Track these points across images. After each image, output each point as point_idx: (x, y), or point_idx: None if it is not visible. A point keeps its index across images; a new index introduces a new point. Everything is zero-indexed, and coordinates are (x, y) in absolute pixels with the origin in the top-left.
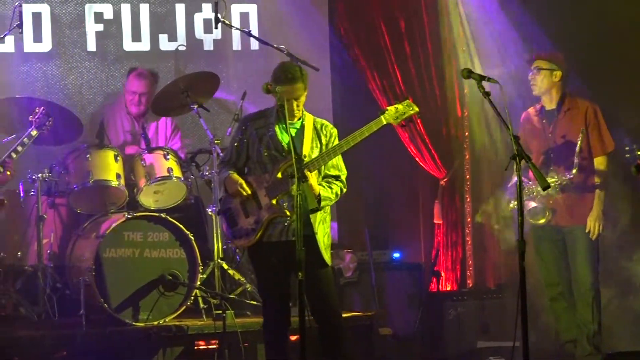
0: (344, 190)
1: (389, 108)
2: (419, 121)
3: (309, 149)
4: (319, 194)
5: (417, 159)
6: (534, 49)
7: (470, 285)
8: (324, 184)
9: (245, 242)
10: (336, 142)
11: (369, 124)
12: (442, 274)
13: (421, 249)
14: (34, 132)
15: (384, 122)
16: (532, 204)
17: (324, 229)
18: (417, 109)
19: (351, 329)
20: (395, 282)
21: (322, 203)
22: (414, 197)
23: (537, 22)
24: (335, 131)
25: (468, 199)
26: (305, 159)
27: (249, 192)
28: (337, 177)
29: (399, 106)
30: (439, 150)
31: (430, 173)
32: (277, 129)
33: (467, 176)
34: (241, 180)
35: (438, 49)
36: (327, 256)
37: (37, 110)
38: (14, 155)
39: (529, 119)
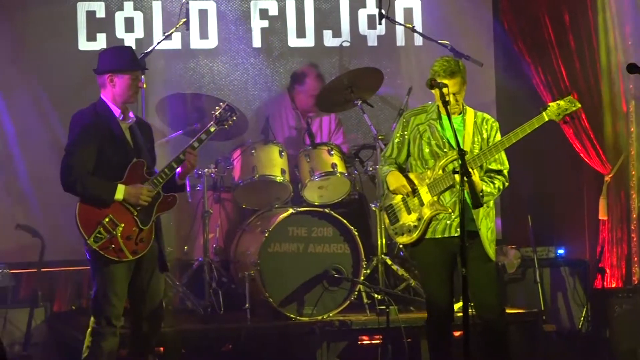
0: (506, 184)
1: (551, 104)
2: (583, 117)
3: (471, 144)
4: (482, 189)
5: (581, 155)
6: None
7: (636, 282)
8: (485, 179)
9: (408, 238)
10: (498, 136)
11: (530, 120)
12: (607, 271)
13: (586, 245)
14: (212, 128)
15: (546, 119)
16: None
17: (487, 223)
18: (579, 105)
19: (515, 325)
20: (559, 279)
21: (485, 199)
22: (578, 193)
23: None
24: (496, 125)
25: (633, 195)
26: (467, 155)
27: (410, 190)
28: (499, 172)
29: (561, 102)
30: (603, 146)
31: (594, 169)
32: (438, 124)
33: (633, 172)
34: (402, 179)
35: (602, 44)
36: (491, 251)
37: (220, 105)
38: (190, 151)
39: None
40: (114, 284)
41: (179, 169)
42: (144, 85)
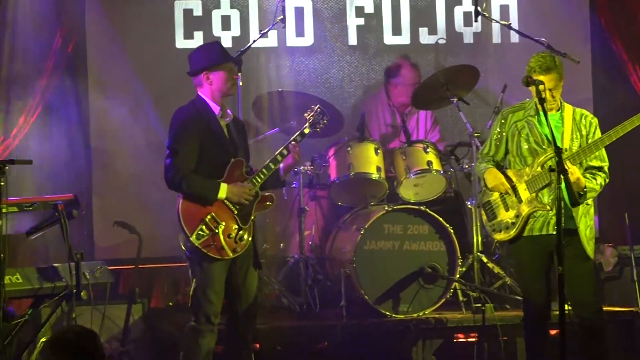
0: (607, 181)
1: None
2: None
3: (569, 141)
4: (585, 186)
5: None
6: None
7: None
8: (587, 175)
9: (505, 235)
10: (597, 132)
11: (631, 118)
12: None
13: None
14: (307, 130)
15: None
16: None
17: (586, 221)
18: None
19: (611, 323)
20: None
21: (587, 195)
22: None
23: None
24: (595, 121)
25: None
26: (566, 152)
27: (509, 187)
28: (600, 168)
29: None
30: None
31: None
32: (536, 121)
33: None
34: (501, 176)
35: None
36: (589, 249)
37: (312, 108)
38: (285, 152)
39: None
40: (213, 281)
41: (282, 164)
42: (241, 83)
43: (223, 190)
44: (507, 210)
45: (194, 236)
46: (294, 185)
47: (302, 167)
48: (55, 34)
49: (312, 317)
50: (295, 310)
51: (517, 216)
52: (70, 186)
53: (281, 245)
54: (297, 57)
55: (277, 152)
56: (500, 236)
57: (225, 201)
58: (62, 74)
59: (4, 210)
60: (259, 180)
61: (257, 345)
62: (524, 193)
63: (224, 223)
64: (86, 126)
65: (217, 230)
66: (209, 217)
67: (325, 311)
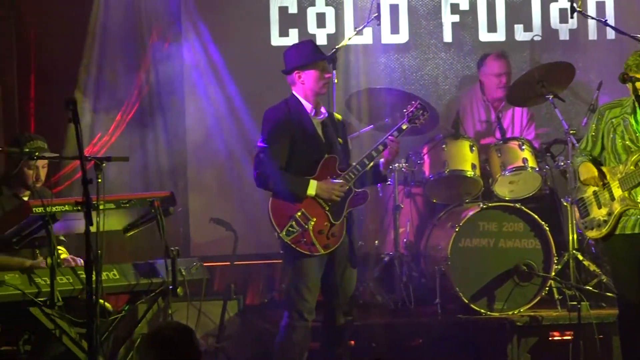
0: None
1: None
2: None
3: None
4: None
5: None
6: None
7: None
8: None
9: (597, 233)
10: None
11: None
12: None
13: None
14: (404, 126)
15: None
16: None
17: None
18: None
19: None
20: None
21: None
22: None
23: None
24: None
25: None
26: None
27: (600, 183)
28: None
29: None
30: None
31: None
32: (632, 119)
33: None
34: (594, 170)
35: None
36: None
37: (412, 104)
38: (381, 148)
39: None
40: (306, 278)
41: (382, 159)
42: (335, 80)
43: (312, 187)
44: (599, 207)
45: (284, 232)
46: (389, 183)
47: (397, 165)
48: (150, 33)
49: (407, 315)
50: (389, 307)
51: (609, 214)
52: (166, 183)
53: (376, 242)
54: (392, 55)
55: (371, 149)
56: (592, 234)
57: (316, 198)
58: (158, 72)
59: (101, 207)
60: (352, 177)
61: (352, 342)
62: (617, 191)
63: (314, 219)
64: (182, 123)
65: (307, 227)
66: (299, 213)
67: (420, 308)
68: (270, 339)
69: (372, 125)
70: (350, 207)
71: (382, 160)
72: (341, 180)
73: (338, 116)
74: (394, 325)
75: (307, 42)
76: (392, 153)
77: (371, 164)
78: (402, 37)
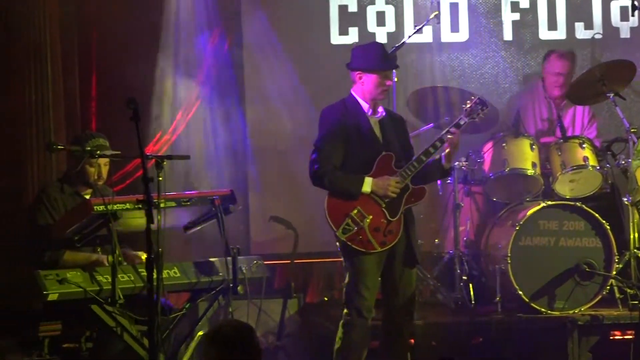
0: None
1: None
2: None
3: None
4: None
5: None
6: None
7: None
8: None
9: None
10: None
11: None
12: None
13: None
14: (462, 121)
15: None
16: None
17: None
18: None
19: None
20: None
21: None
22: None
23: None
24: None
25: None
26: None
27: None
28: None
29: None
30: None
31: None
32: None
33: None
34: None
35: None
36: None
37: (472, 99)
38: (438, 144)
39: None
40: (364, 275)
41: (443, 153)
42: (395, 79)
43: (367, 184)
44: None
45: (340, 230)
46: (449, 181)
47: (457, 163)
48: (212, 32)
49: (467, 313)
50: (450, 306)
51: None
52: (227, 181)
53: (436, 241)
54: (452, 53)
55: (429, 145)
56: None
57: (372, 195)
58: (219, 71)
59: (162, 205)
60: (409, 173)
61: (412, 341)
62: None
63: (370, 216)
64: (243, 122)
65: (362, 224)
66: (355, 211)
67: (480, 307)
68: (330, 337)
69: (432, 124)
70: (407, 204)
71: (443, 154)
72: (397, 177)
73: (397, 115)
74: (454, 323)
75: (378, 46)
76: (451, 145)
77: (428, 160)
78: (462, 35)
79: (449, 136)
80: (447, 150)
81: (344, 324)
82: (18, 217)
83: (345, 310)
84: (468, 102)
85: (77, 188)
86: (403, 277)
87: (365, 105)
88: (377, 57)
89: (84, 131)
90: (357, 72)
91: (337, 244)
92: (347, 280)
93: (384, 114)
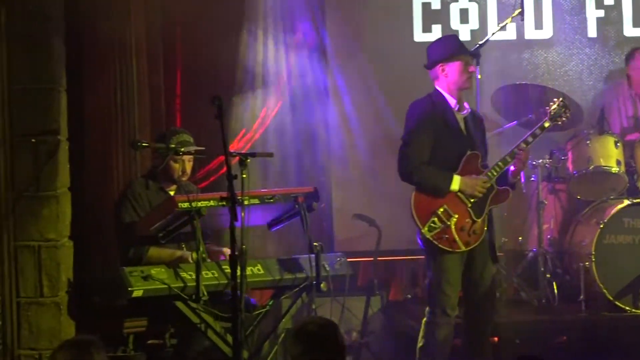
0: None
1: None
2: None
3: None
4: None
5: None
6: None
7: None
8: None
9: None
10: None
11: None
12: None
13: None
14: (547, 124)
15: None
16: None
17: None
18: None
19: None
20: None
21: None
22: None
23: None
24: None
25: None
26: None
27: None
28: None
29: None
30: None
31: None
32: None
33: None
34: None
35: None
36: None
37: (555, 101)
38: (523, 146)
39: None
40: (447, 274)
41: (511, 167)
42: (479, 76)
43: (456, 182)
44: None
45: (426, 228)
46: (532, 179)
47: (540, 161)
48: (295, 30)
49: (551, 312)
50: (533, 304)
51: None
52: (310, 179)
53: (520, 239)
54: (536, 50)
55: (514, 146)
56: None
57: (459, 193)
58: (301, 69)
59: (245, 203)
60: (495, 174)
61: (496, 339)
62: None
63: (456, 215)
64: (326, 119)
65: (449, 223)
66: (441, 209)
67: (564, 305)
68: (413, 335)
69: (516, 122)
70: (492, 205)
71: (510, 169)
72: (484, 177)
73: (478, 113)
74: (537, 322)
75: (451, 36)
76: (519, 162)
77: (512, 161)
78: (546, 32)
79: (520, 149)
80: (516, 165)
81: (427, 323)
82: (104, 214)
83: (428, 309)
84: (552, 103)
85: (162, 184)
86: (483, 275)
87: (452, 101)
88: (454, 45)
89: (169, 128)
90: (439, 65)
91: (420, 241)
92: (430, 278)
93: (469, 110)
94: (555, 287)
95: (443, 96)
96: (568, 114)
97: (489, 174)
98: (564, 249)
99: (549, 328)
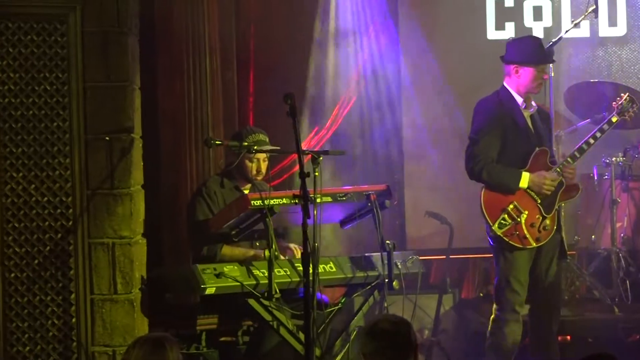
0: None
1: None
2: None
3: None
4: None
5: None
6: None
7: None
8: None
9: None
10: None
11: None
12: None
13: None
14: (614, 119)
15: None
16: None
17: None
18: None
19: None
20: None
21: None
22: None
23: None
24: None
25: None
26: None
27: None
28: None
29: None
30: None
31: None
32: None
33: None
34: None
35: None
36: None
37: (621, 96)
38: (591, 141)
39: None
40: (516, 271)
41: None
42: (552, 74)
43: (525, 179)
44: None
45: (496, 225)
46: (605, 177)
47: (614, 158)
48: (368, 30)
49: (624, 310)
50: (606, 302)
51: None
52: (383, 177)
53: (592, 237)
54: (609, 48)
55: (582, 141)
56: None
57: (528, 190)
58: (374, 67)
59: (318, 201)
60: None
61: (569, 337)
62: None
63: (526, 212)
64: (398, 117)
65: (519, 219)
66: (511, 206)
67: (638, 304)
68: (485, 333)
69: (589, 119)
70: (561, 200)
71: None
72: (553, 173)
73: (545, 110)
74: (610, 320)
75: (536, 40)
76: (567, 179)
77: (580, 156)
78: (620, 29)
79: (567, 172)
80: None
81: (495, 320)
82: (177, 212)
83: (496, 306)
84: (618, 99)
85: (237, 182)
86: (550, 271)
87: (519, 99)
88: (534, 51)
89: (245, 127)
90: (514, 65)
91: (490, 238)
92: (498, 275)
93: (536, 107)
94: (628, 285)
95: (511, 94)
96: (635, 109)
97: (558, 170)
98: (638, 248)
99: (622, 327)
